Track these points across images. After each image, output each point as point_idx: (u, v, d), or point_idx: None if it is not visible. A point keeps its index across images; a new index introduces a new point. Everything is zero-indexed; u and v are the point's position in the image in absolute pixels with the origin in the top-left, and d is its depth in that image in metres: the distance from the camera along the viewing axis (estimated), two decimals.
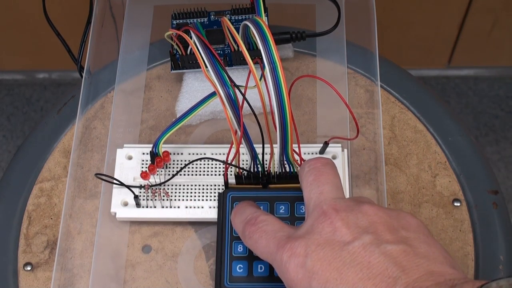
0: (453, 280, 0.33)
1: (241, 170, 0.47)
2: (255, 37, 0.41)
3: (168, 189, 0.49)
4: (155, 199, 0.48)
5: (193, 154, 0.50)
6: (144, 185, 0.48)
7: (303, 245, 0.36)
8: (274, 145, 0.44)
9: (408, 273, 0.34)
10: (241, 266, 0.44)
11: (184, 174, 0.49)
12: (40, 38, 1.09)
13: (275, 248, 0.37)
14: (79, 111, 0.53)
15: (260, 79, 0.41)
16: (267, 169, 0.47)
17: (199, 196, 0.48)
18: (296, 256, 0.36)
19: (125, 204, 0.48)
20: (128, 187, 0.48)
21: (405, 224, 0.37)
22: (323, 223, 0.37)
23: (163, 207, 0.48)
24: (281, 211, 0.46)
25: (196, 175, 0.49)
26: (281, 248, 0.37)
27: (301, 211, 0.46)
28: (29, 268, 0.48)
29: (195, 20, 0.55)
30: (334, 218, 0.37)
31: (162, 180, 0.48)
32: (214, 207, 0.48)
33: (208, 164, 0.49)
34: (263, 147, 0.45)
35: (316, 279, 0.35)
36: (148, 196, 0.48)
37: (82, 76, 0.54)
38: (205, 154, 0.50)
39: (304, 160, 0.46)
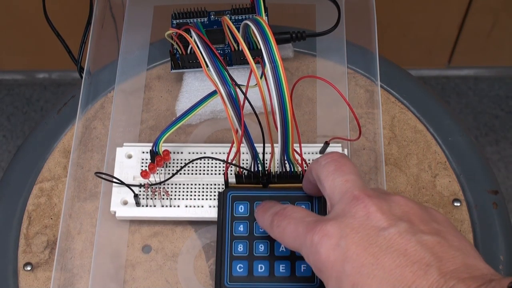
0: (489, 275, 0.33)
1: (241, 170, 0.47)
2: (256, 36, 0.41)
3: (168, 188, 0.49)
4: (155, 198, 0.48)
5: (193, 153, 0.50)
6: (144, 184, 0.48)
7: (336, 227, 0.36)
8: (274, 145, 0.44)
9: (445, 264, 0.33)
10: (241, 265, 0.44)
11: (184, 173, 0.49)
12: (40, 38, 1.09)
13: (305, 231, 0.37)
14: (79, 111, 0.53)
15: (261, 78, 0.41)
16: (267, 168, 0.47)
17: (199, 195, 0.48)
18: (329, 237, 0.35)
19: (125, 203, 0.48)
20: (128, 186, 0.48)
21: (435, 218, 0.37)
22: (356, 206, 0.36)
23: (163, 206, 0.48)
24: None
25: (196, 174, 0.49)
26: (311, 231, 0.36)
27: None
28: (29, 268, 0.48)
29: (195, 20, 0.55)
30: (368, 202, 0.36)
31: (162, 179, 0.48)
32: (214, 207, 0.48)
33: (208, 163, 0.49)
34: (264, 147, 0.45)
35: (350, 263, 0.34)
36: (148, 195, 0.48)
37: (82, 77, 0.54)
38: (205, 153, 0.50)
39: (305, 160, 0.46)
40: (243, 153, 0.48)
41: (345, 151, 0.50)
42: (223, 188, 0.48)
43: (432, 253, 0.34)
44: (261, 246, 0.45)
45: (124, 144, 0.50)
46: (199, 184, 0.49)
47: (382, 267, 0.34)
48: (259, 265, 0.44)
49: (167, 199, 0.48)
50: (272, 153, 0.45)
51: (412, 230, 0.35)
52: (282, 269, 0.44)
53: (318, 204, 0.46)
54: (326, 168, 0.40)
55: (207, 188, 0.49)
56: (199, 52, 0.44)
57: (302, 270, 0.44)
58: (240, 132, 0.44)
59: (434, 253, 0.34)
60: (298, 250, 0.38)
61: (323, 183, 0.40)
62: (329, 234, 0.36)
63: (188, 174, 0.49)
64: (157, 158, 0.48)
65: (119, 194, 0.48)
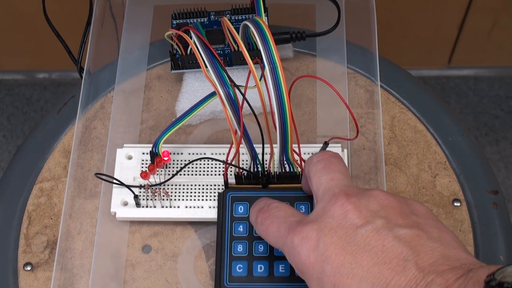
0: (468, 265, 0.33)
1: (241, 170, 0.47)
2: (255, 37, 0.41)
3: (168, 189, 0.49)
4: (155, 199, 0.48)
5: (193, 154, 0.50)
6: (144, 185, 0.48)
7: (315, 229, 0.36)
8: (274, 145, 0.44)
9: (423, 257, 0.33)
10: (241, 266, 0.44)
11: (184, 174, 0.49)
12: (40, 38, 1.09)
13: (286, 232, 0.37)
14: (79, 111, 0.53)
15: (260, 79, 0.41)
16: (267, 169, 0.47)
17: (199, 196, 0.48)
18: (308, 239, 0.36)
19: (125, 204, 0.48)
20: (128, 186, 0.48)
21: (414, 210, 0.37)
22: (334, 205, 0.37)
23: (163, 207, 0.48)
24: None
25: (196, 175, 0.49)
26: (292, 232, 0.37)
27: (301, 211, 0.46)
28: (29, 268, 0.48)
29: (195, 20, 0.55)
30: (345, 201, 0.36)
31: (162, 180, 0.48)
32: (214, 207, 0.48)
33: (208, 164, 0.49)
34: (263, 147, 0.45)
35: (329, 263, 0.35)
36: (148, 196, 0.48)
37: (82, 77, 0.54)
38: (205, 154, 0.50)
39: (304, 160, 0.46)
40: (242, 153, 0.48)
41: (345, 151, 0.50)
42: (222, 189, 0.48)
43: (409, 247, 0.34)
44: (261, 247, 0.45)
45: (124, 145, 0.50)
46: (199, 185, 0.49)
47: (361, 265, 0.34)
48: (259, 265, 0.44)
49: (167, 199, 0.48)
50: (272, 153, 0.45)
51: (389, 225, 0.35)
52: (281, 269, 0.44)
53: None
54: (316, 166, 0.40)
55: (207, 188, 0.49)
56: (198, 53, 0.44)
57: None
58: (239, 133, 0.44)
59: (412, 247, 0.34)
60: (280, 249, 0.38)
61: (311, 180, 0.40)
62: (308, 237, 0.36)
63: (188, 175, 0.49)
64: (157, 159, 0.48)
65: (119, 195, 0.48)
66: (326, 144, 0.49)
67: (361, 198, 0.37)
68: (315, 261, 0.35)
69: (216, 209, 0.48)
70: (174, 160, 0.49)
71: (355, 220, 0.36)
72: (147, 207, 0.48)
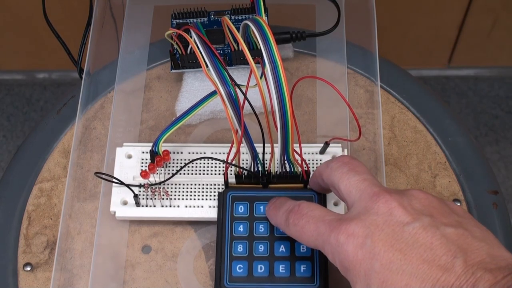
0: None
1: (241, 170, 0.47)
2: (256, 36, 0.41)
3: (167, 188, 0.48)
4: (155, 198, 0.48)
5: (193, 153, 0.50)
6: (144, 184, 0.48)
7: (361, 226, 0.36)
8: (274, 145, 0.44)
9: (471, 255, 0.34)
10: (241, 266, 0.44)
11: (184, 173, 0.49)
12: (40, 38, 1.09)
13: (328, 230, 0.37)
14: (79, 111, 0.52)
15: (261, 78, 0.41)
16: (267, 168, 0.47)
17: (199, 196, 0.48)
18: (355, 236, 0.36)
19: (125, 203, 0.48)
20: (128, 186, 0.48)
21: (453, 210, 0.38)
22: (377, 202, 0.37)
23: (162, 206, 0.48)
24: None
25: (196, 174, 0.49)
26: (336, 230, 0.37)
27: None
28: (28, 269, 0.48)
29: (195, 20, 0.55)
30: (388, 198, 0.37)
31: (162, 179, 0.48)
32: (214, 207, 0.48)
33: (208, 163, 0.49)
34: (264, 147, 0.45)
35: (378, 260, 0.35)
36: (147, 195, 0.48)
37: (82, 78, 0.54)
38: (205, 153, 0.50)
39: (305, 160, 0.46)
40: (243, 153, 0.48)
41: (345, 151, 0.50)
42: (223, 188, 0.48)
43: (457, 246, 0.34)
44: (261, 247, 0.45)
45: (124, 144, 0.50)
46: (199, 184, 0.49)
47: (410, 262, 0.34)
48: (259, 266, 0.44)
49: (167, 199, 0.48)
50: (272, 153, 0.45)
51: (435, 223, 0.35)
52: (282, 270, 0.44)
53: (318, 203, 0.46)
54: (340, 170, 0.40)
55: (207, 188, 0.49)
56: (199, 52, 0.44)
57: (301, 271, 0.44)
58: (240, 132, 0.44)
59: (459, 246, 0.34)
60: (319, 248, 0.38)
61: (338, 185, 0.40)
62: (355, 233, 0.36)
63: (188, 174, 0.49)
64: (157, 158, 0.47)
65: (119, 194, 0.48)
66: (326, 144, 0.49)
67: (402, 196, 0.37)
68: (363, 258, 0.35)
69: (216, 209, 0.48)
70: (174, 160, 0.49)
71: (401, 217, 0.36)
72: (146, 206, 0.48)
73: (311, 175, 0.46)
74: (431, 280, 0.33)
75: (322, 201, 0.46)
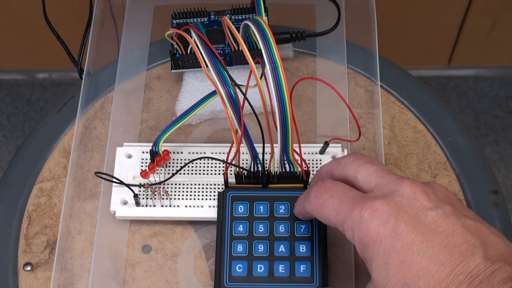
0: None
1: (241, 170, 0.47)
2: (256, 37, 0.41)
3: (167, 188, 0.49)
4: (155, 198, 0.48)
5: (193, 153, 0.50)
6: (144, 184, 0.48)
7: (386, 204, 0.36)
8: (274, 145, 0.44)
9: (490, 248, 0.34)
10: (241, 266, 0.44)
11: (184, 173, 0.49)
12: (40, 38, 1.09)
13: (351, 206, 0.37)
14: (79, 111, 0.53)
15: (261, 78, 0.41)
16: (267, 168, 0.47)
17: (199, 195, 0.48)
18: (379, 213, 0.36)
19: (125, 203, 0.48)
20: (128, 185, 0.48)
21: (467, 208, 0.39)
22: (402, 185, 0.37)
23: (162, 206, 0.48)
24: (281, 211, 0.46)
25: (196, 174, 0.49)
26: (359, 206, 0.37)
27: None
28: (29, 268, 0.48)
29: (195, 20, 0.55)
30: (413, 183, 0.37)
31: (162, 179, 0.48)
32: (214, 207, 0.48)
33: (208, 163, 0.49)
34: (264, 147, 0.45)
35: (400, 239, 0.35)
36: (147, 195, 0.48)
37: (82, 78, 0.54)
38: (205, 153, 0.50)
39: (304, 160, 0.46)
40: (242, 153, 0.48)
41: (345, 152, 0.50)
42: (222, 188, 0.48)
43: (477, 237, 0.35)
44: (261, 246, 0.45)
45: (124, 144, 0.50)
46: (199, 184, 0.49)
47: (432, 245, 0.35)
48: (259, 265, 0.44)
49: (167, 199, 0.48)
50: (272, 153, 0.45)
51: (456, 213, 0.36)
52: (281, 269, 0.44)
53: None
54: (356, 162, 0.40)
55: (207, 188, 0.49)
56: (199, 52, 0.44)
57: (301, 271, 0.44)
58: (239, 132, 0.44)
59: (479, 237, 0.35)
60: (336, 225, 0.38)
61: (355, 175, 0.40)
62: (379, 210, 0.36)
63: (188, 174, 0.49)
64: (157, 158, 0.48)
65: (119, 194, 0.48)
66: (326, 144, 0.49)
67: (423, 185, 0.38)
68: (385, 236, 0.36)
69: (216, 209, 0.48)
70: (174, 159, 0.49)
71: (424, 202, 0.36)
72: (146, 206, 0.48)
73: (312, 176, 0.46)
74: (450, 265, 0.34)
75: None
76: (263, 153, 0.45)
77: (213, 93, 0.46)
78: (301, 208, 0.42)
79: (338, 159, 0.42)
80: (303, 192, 0.46)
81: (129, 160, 0.50)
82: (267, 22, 0.53)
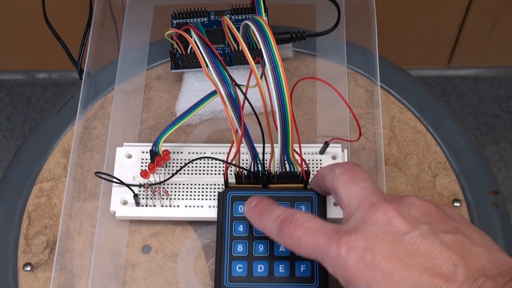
0: None
1: (241, 170, 0.47)
2: (256, 36, 0.41)
3: (167, 188, 0.49)
4: (155, 198, 0.48)
5: (193, 153, 0.50)
6: (144, 184, 0.48)
7: (361, 238, 0.36)
8: (274, 145, 0.44)
9: (471, 262, 0.34)
10: (241, 266, 0.44)
11: (184, 173, 0.49)
12: (40, 38, 1.09)
13: (327, 242, 0.37)
14: (79, 111, 0.52)
15: (261, 78, 0.41)
16: (267, 168, 0.47)
17: (199, 195, 0.48)
18: (355, 249, 0.36)
19: (125, 203, 0.48)
20: (128, 185, 0.48)
21: (450, 215, 0.38)
22: (376, 213, 0.37)
23: (162, 206, 0.48)
24: None
25: (196, 174, 0.49)
26: (336, 243, 0.36)
27: (301, 211, 0.46)
28: (28, 269, 0.48)
29: (195, 20, 0.55)
30: (386, 208, 0.37)
31: (162, 179, 0.48)
32: (214, 207, 0.48)
33: (208, 163, 0.49)
34: (264, 147, 0.45)
35: (380, 271, 0.35)
36: (147, 195, 0.48)
37: (82, 79, 0.54)
38: (205, 153, 0.50)
39: (304, 160, 0.46)
40: (243, 153, 0.48)
41: (345, 152, 0.50)
42: (222, 188, 0.48)
43: (457, 253, 0.34)
44: (261, 246, 0.45)
45: (124, 144, 0.50)
46: (199, 184, 0.49)
47: (411, 271, 0.34)
48: (259, 265, 0.44)
49: (166, 199, 0.48)
50: (272, 153, 0.45)
51: (434, 231, 0.35)
52: (281, 269, 0.44)
53: (317, 204, 0.46)
54: (341, 178, 0.40)
55: (206, 188, 0.49)
56: (199, 52, 0.44)
57: (301, 270, 0.44)
58: (240, 132, 0.44)
59: (459, 253, 0.34)
60: (317, 260, 0.38)
61: (339, 193, 0.40)
62: (355, 247, 0.36)
63: (188, 174, 0.49)
64: (157, 158, 0.48)
65: (119, 194, 0.48)
66: (326, 144, 0.49)
67: (400, 204, 0.37)
68: (364, 270, 0.35)
69: (216, 209, 0.48)
70: (174, 159, 0.49)
71: (400, 226, 0.36)
72: (146, 206, 0.48)
73: (312, 176, 0.46)
74: None
75: (322, 201, 0.46)
76: (263, 153, 0.45)
77: (213, 93, 0.46)
78: (266, 230, 0.42)
79: (332, 166, 0.42)
80: (303, 192, 0.46)
81: (129, 160, 0.50)
82: (267, 22, 0.53)
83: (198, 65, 0.53)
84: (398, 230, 0.36)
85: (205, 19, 0.55)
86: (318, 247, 0.37)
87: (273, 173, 0.47)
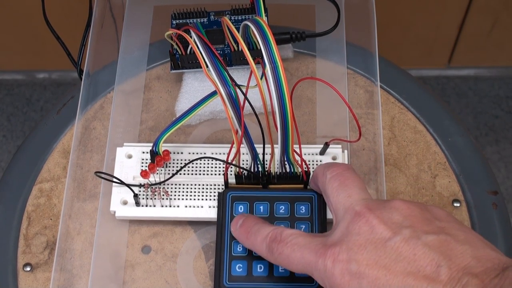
0: (501, 264, 0.34)
1: (241, 170, 0.47)
2: (256, 37, 0.41)
3: (167, 188, 0.49)
4: (155, 198, 0.48)
5: (193, 153, 0.50)
6: (144, 184, 0.48)
7: (345, 250, 0.37)
8: (274, 145, 0.44)
9: (455, 261, 0.34)
10: (241, 265, 0.44)
11: (184, 174, 0.49)
12: (40, 38, 1.09)
13: (314, 257, 0.38)
14: (79, 111, 0.52)
15: (261, 79, 0.41)
16: (267, 169, 0.47)
17: (199, 196, 0.48)
18: (340, 261, 0.36)
19: (125, 203, 0.48)
20: (128, 185, 0.48)
21: (436, 215, 0.38)
22: (359, 222, 0.37)
23: (162, 206, 0.48)
24: (281, 211, 0.46)
25: (196, 174, 0.49)
26: (322, 256, 0.37)
27: (301, 211, 0.46)
28: (28, 269, 0.48)
29: (195, 20, 0.55)
30: (369, 216, 0.37)
31: (162, 179, 0.48)
32: (213, 207, 0.48)
33: (208, 163, 0.49)
34: (264, 147, 0.45)
35: (365, 278, 0.35)
36: (147, 195, 0.48)
37: (81, 79, 0.54)
38: (205, 153, 0.50)
39: (305, 161, 0.46)
40: (243, 153, 0.48)
41: (345, 152, 0.50)
42: (222, 189, 0.48)
43: (440, 253, 0.35)
44: None
45: (124, 144, 0.50)
46: (199, 185, 0.49)
47: (396, 276, 0.35)
48: (258, 265, 0.44)
49: (166, 199, 0.48)
50: (272, 153, 0.45)
51: (416, 234, 0.36)
52: (281, 269, 0.44)
53: (317, 204, 0.46)
54: (331, 184, 0.41)
55: (206, 188, 0.49)
56: (199, 53, 0.44)
57: None
58: (240, 132, 0.44)
59: (442, 253, 0.35)
60: (308, 274, 0.39)
61: (329, 198, 0.41)
62: (340, 257, 0.37)
63: (188, 174, 0.49)
64: (157, 158, 0.48)
65: (119, 194, 0.48)
66: (326, 145, 0.49)
67: (383, 211, 0.38)
68: (350, 279, 0.36)
69: (216, 209, 0.48)
70: (174, 160, 0.49)
71: (382, 233, 0.36)
72: (146, 206, 0.48)
73: (311, 176, 0.46)
74: None
75: (322, 202, 0.46)
76: (263, 154, 0.45)
77: (213, 94, 0.46)
78: (255, 249, 0.42)
79: (325, 168, 0.42)
80: (303, 193, 0.46)
81: (129, 160, 0.50)
82: (267, 22, 0.53)
83: (198, 66, 0.53)
84: (381, 237, 0.36)
85: (205, 19, 0.55)
86: (306, 262, 0.38)
87: (273, 174, 0.47)
